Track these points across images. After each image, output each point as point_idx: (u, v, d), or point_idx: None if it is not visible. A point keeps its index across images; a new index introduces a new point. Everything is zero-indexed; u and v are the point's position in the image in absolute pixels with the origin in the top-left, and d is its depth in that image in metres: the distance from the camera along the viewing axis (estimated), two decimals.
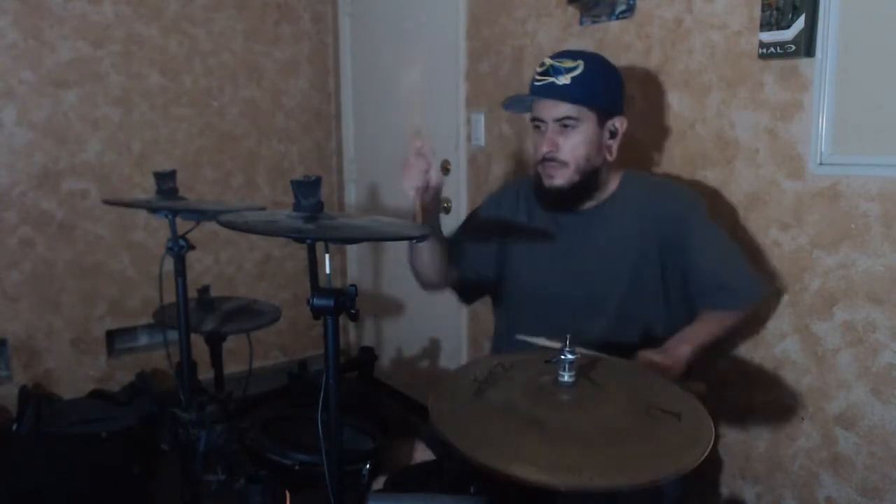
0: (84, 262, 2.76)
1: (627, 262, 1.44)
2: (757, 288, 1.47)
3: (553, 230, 1.51)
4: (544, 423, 0.93)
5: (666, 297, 1.47)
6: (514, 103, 1.51)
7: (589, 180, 1.44)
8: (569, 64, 1.39)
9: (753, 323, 1.62)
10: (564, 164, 1.41)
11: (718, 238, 1.46)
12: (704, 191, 1.70)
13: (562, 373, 1.01)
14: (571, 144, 1.40)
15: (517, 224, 1.57)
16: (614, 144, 1.46)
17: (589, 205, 1.48)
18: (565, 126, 1.40)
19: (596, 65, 1.42)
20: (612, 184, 1.49)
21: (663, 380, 1.11)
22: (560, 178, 1.43)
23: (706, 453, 0.88)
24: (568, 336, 1.01)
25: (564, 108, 1.39)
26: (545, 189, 1.46)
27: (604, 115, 1.42)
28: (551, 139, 1.41)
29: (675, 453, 0.87)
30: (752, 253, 1.61)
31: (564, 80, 1.37)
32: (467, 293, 1.67)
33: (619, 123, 1.45)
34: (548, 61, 1.40)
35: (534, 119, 1.45)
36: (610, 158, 1.46)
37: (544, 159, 1.42)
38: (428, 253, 1.46)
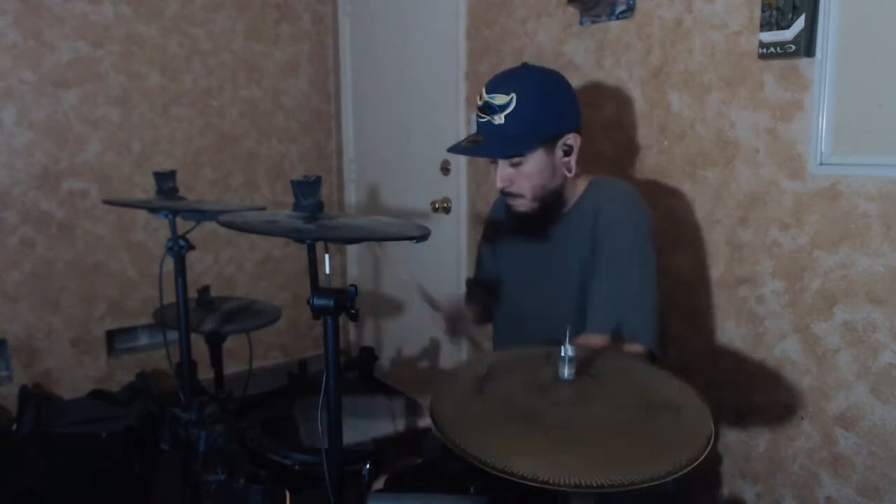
0: (84, 262, 2.76)
1: (576, 275, 1.43)
2: (644, 332, 1.34)
3: (526, 242, 1.54)
4: (544, 421, 0.93)
5: None
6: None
7: (550, 203, 1.44)
8: (501, 100, 1.35)
9: (753, 323, 1.62)
10: (521, 195, 1.42)
11: (629, 267, 1.36)
12: (704, 191, 1.71)
13: (561, 369, 1.01)
14: (523, 177, 1.40)
15: (503, 229, 1.62)
16: (571, 160, 1.42)
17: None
18: (514, 164, 1.39)
19: (530, 92, 1.36)
20: (578, 189, 1.48)
21: (662, 374, 1.11)
22: (521, 207, 1.44)
23: (707, 450, 0.87)
24: (568, 330, 1.01)
25: None
26: (513, 214, 1.48)
27: (550, 141, 1.39)
28: (503, 175, 1.41)
29: (676, 449, 0.87)
30: (752, 253, 1.61)
31: (499, 119, 1.35)
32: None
33: (572, 140, 1.41)
34: (484, 95, 1.38)
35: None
36: (569, 175, 1.43)
37: (502, 191, 1.45)
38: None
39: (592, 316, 1.38)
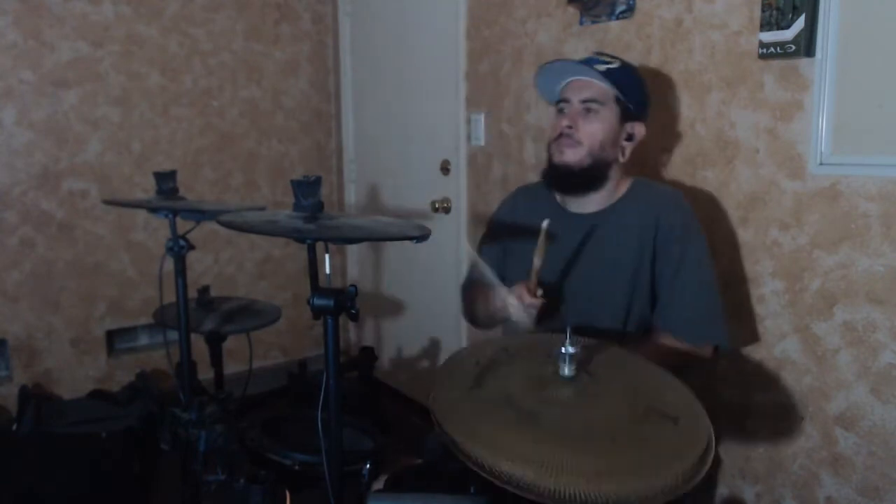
0: (84, 262, 2.76)
1: (629, 266, 1.47)
2: (721, 334, 1.47)
3: (563, 231, 1.51)
4: (539, 420, 0.92)
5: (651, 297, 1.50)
6: (548, 74, 1.53)
7: (598, 169, 1.48)
8: (607, 59, 1.49)
9: (753, 323, 1.62)
10: (579, 142, 1.47)
11: (706, 277, 1.47)
12: (704, 190, 1.70)
13: (562, 366, 1.01)
14: (590, 127, 1.46)
15: (532, 225, 1.58)
16: (628, 147, 1.51)
17: (597, 206, 1.52)
18: (588, 110, 1.47)
19: (630, 69, 1.53)
20: (622, 188, 1.53)
21: (665, 378, 1.11)
22: (571, 156, 1.47)
23: (706, 465, 0.86)
24: (569, 328, 1.00)
25: (593, 91, 1.46)
26: (554, 165, 1.50)
27: (626, 114, 1.48)
28: (573, 117, 1.48)
29: (669, 463, 0.84)
30: (752, 253, 1.61)
31: (601, 67, 1.46)
32: None
33: (638, 129, 1.51)
34: (591, 53, 1.53)
35: (559, 101, 1.52)
36: (622, 159, 1.51)
37: (561, 134, 1.48)
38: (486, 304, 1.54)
39: (674, 320, 1.46)
